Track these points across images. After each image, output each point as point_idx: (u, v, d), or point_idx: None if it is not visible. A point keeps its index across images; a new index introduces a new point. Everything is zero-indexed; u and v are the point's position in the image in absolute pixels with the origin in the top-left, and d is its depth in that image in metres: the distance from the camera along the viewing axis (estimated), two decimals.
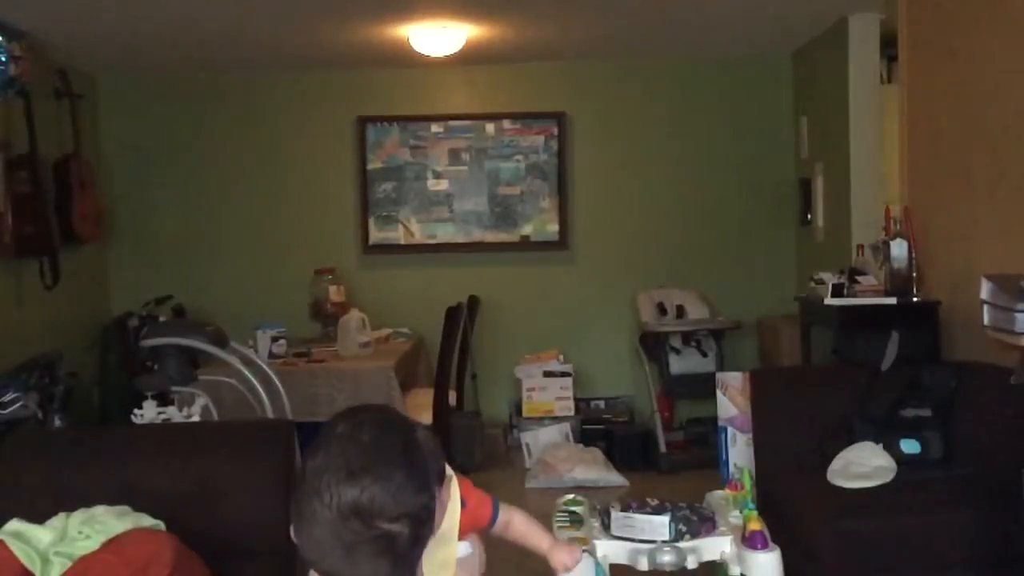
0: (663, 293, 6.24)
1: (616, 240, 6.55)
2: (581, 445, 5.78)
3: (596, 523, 2.91)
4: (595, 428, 6.05)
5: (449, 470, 1.73)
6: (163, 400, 4.00)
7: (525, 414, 6.00)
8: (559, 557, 1.96)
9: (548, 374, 6.07)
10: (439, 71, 6.43)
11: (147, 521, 2.54)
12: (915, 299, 4.35)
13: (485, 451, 5.85)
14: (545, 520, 3.18)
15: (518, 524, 1.96)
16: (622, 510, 2.84)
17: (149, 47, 5.70)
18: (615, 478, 5.46)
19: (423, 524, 1.36)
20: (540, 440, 5.86)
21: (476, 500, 1.87)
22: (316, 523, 1.32)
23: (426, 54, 5.62)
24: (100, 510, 2.54)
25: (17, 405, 4.31)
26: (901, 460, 3.47)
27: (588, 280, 6.55)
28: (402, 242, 6.54)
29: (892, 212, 4.65)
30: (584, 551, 2.73)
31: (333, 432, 1.39)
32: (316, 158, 6.56)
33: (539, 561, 2.19)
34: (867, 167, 5.38)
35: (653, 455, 5.83)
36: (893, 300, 4.33)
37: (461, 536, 1.79)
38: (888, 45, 5.30)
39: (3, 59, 4.77)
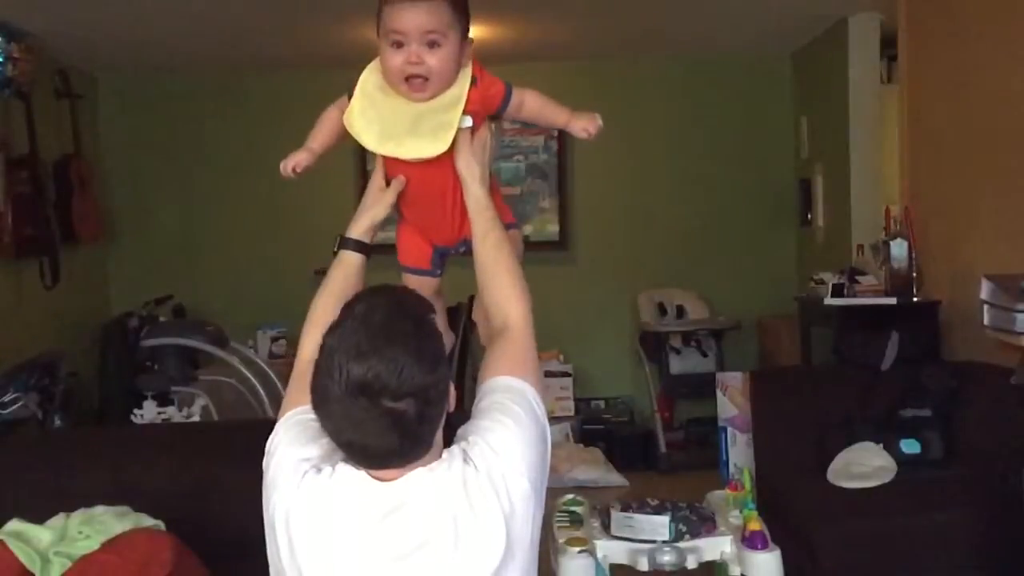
0: (663, 293, 6.24)
1: (616, 240, 6.54)
2: (581, 445, 5.78)
3: (596, 523, 2.91)
4: (595, 428, 6.05)
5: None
6: (163, 400, 4.01)
7: None
8: (580, 124, 1.85)
9: (548, 374, 6.06)
10: None
11: (147, 521, 2.54)
12: (915, 299, 4.35)
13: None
14: (545, 520, 3.18)
15: (532, 101, 1.87)
16: (622, 510, 2.84)
17: (149, 47, 5.70)
18: (615, 478, 5.46)
19: (430, 403, 1.43)
20: None
21: (489, 78, 1.81)
22: (329, 399, 1.41)
23: None
24: (100, 510, 2.55)
25: (17, 405, 4.31)
26: (901, 460, 3.48)
27: (588, 280, 6.54)
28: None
29: (892, 212, 4.65)
30: (584, 551, 2.74)
31: (350, 312, 1.47)
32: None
33: (542, 559, 2.17)
34: (867, 167, 5.37)
35: (653, 455, 5.83)
36: (893, 300, 4.33)
37: (469, 111, 1.76)
38: (888, 45, 5.30)
39: (3, 59, 4.76)
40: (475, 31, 5.84)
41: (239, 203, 6.56)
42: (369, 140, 1.77)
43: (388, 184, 1.87)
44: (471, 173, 1.79)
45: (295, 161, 1.88)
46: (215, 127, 6.53)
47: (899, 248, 4.38)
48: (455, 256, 1.96)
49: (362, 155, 6.51)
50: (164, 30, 5.28)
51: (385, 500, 1.45)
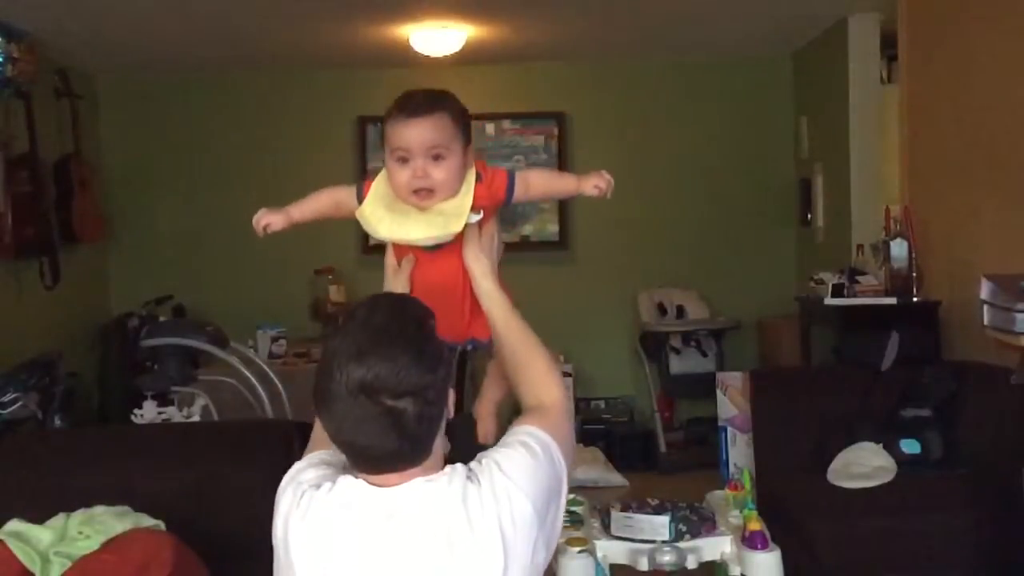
0: (663, 293, 6.24)
1: (616, 240, 6.54)
2: (581, 445, 5.78)
3: (596, 523, 2.91)
4: (595, 428, 6.05)
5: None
6: (163, 400, 4.00)
7: None
8: (590, 184, 1.89)
9: None
10: (439, 71, 6.42)
11: (147, 521, 2.54)
12: (915, 299, 4.35)
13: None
14: None
15: (537, 180, 1.90)
16: (622, 510, 2.84)
17: (149, 47, 5.70)
18: (615, 478, 5.46)
19: (429, 403, 1.45)
20: None
21: (492, 171, 1.84)
22: (331, 400, 1.44)
23: (426, 54, 5.61)
24: (100, 510, 2.55)
25: (17, 405, 4.31)
26: (901, 460, 3.48)
27: (588, 280, 6.54)
28: None
29: (892, 212, 4.65)
30: (584, 551, 2.74)
31: (352, 316, 1.51)
32: (316, 158, 6.55)
33: None
34: (867, 167, 5.37)
35: (653, 455, 5.83)
36: (893, 300, 4.33)
37: (476, 206, 1.78)
38: (888, 45, 5.29)
39: (3, 59, 4.76)
40: (475, 31, 5.81)
41: (239, 203, 6.50)
42: (381, 229, 1.80)
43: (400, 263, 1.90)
44: (480, 267, 1.82)
45: (268, 221, 1.91)
46: (215, 127, 6.54)
47: (899, 248, 4.38)
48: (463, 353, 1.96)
49: (362, 155, 6.52)
50: (164, 30, 5.28)
51: (382, 505, 1.46)
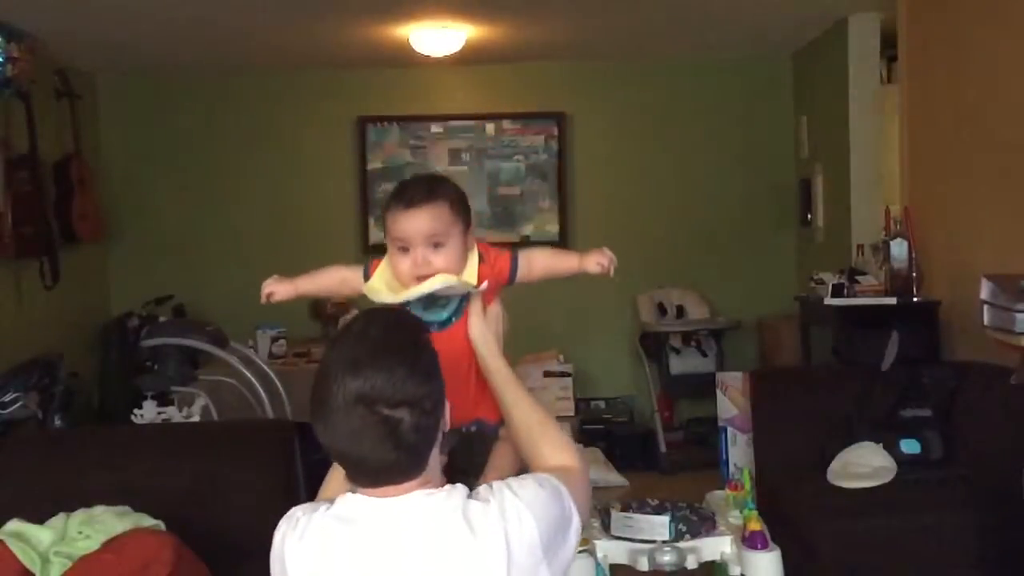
0: (663, 293, 6.24)
1: (616, 240, 6.43)
2: (581, 445, 5.78)
3: (596, 523, 2.91)
4: (595, 428, 6.05)
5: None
6: (163, 400, 4.00)
7: None
8: (592, 261, 1.91)
9: (548, 374, 6.06)
10: (439, 71, 6.43)
11: (147, 521, 2.54)
12: (915, 299, 4.34)
13: (485, 451, 5.83)
14: None
15: (540, 258, 1.93)
16: (622, 510, 2.84)
17: (149, 47, 5.70)
18: (615, 478, 5.46)
19: (425, 414, 1.46)
20: None
21: (495, 252, 1.87)
22: (328, 410, 1.45)
23: (426, 54, 5.61)
24: (100, 510, 2.55)
25: (17, 405, 4.31)
26: (901, 460, 3.47)
27: (588, 280, 6.48)
28: None
29: (892, 212, 4.65)
30: (584, 551, 2.74)
31: (349, 330, 1.53)
32: (316, 158, 6.56)
33: None
34: (867, 167, 5.37)
35: (653, 455, 5.83)
36: (893, 300, 4.33)
37: (480, 284, 1.82)
38: (888, 45, 5.29)
39: (3, 59, 4.76)
40: (475, 31, 5.81)
41: (239, 203, 6.56)
42: (388, 296, 1.82)
43: None
44: (487, 347, 1.83)
45: (272, 290, 1.95)
46: (215, 127, 6.54)
47: (899, 248, 4.38)
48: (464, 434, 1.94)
49: (362, 155, 6.52)
50: (164, 30, 5.28)
51: (382, 518, 1.47)
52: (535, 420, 1.77)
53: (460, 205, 1.80)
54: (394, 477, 1.48)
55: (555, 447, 1.72)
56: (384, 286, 1.84)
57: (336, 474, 1.69)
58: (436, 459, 1.53)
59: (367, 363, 1.44)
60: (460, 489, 1.50)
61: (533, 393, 1.83)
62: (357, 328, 1.52)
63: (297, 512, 1.55)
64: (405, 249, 1.78)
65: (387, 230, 1.80)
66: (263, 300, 1.95)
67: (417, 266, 1.77)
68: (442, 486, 1.51)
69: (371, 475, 1.48)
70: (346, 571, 1.46)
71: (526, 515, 1.47)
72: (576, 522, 1.56)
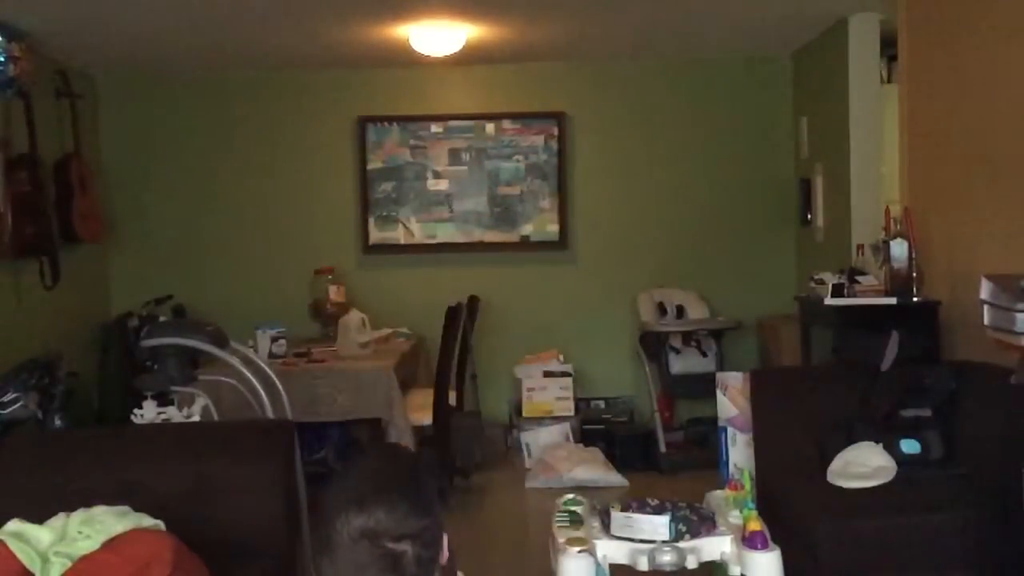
0: (663, 293, 6.24)
1: (616, 240, 6.55)
2: (581, 445, 5.78)
3: (596, 523, 2.91)
4: (595, 428, 6.05)
5: None
6: (163, 400, 4.00)
7: (525, 414, 6.00)
8: None
9: (548, 374, 6.06)
10: (439, 71, 6.43)
11: (147, 521, 2.54)
12: (915, 299, 4.34)
13: (485, 451, 5.85)
14: (545, 520, 3.18)
15: None
16: (622, 510, 2.84)
17: (149, 47, 5.70)
18: (615, 478, 5.46)
19: (427, 546, 1.52)
20: (540, 440, 5.85)
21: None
22: (332, 548, 1.49)
23: (426, 54, 5.61)
24: (100, 510, 2.55)
25: (17, 405, 4.31)
26: (901, 460, 3.47)
27: (588, 280, 6.54)
28: (402, 242, 6.54)
29: (892, 212, 4.65)
30: (584, 551, 2.74)
31: (347, 469, 1.62)
32: (316, 158, 6.56)
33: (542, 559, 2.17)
34: (867, 167, 5.37)
35: (653, 455, 5.83)
36: (893, 300, 4.33)
37: None
38: (888, 45, 5.30)
39: (3, 59, 4.76)
40: (475, 31, 5.83)
41: (239, 203, 6.56)
42: None
43: None
44: None
45: None
46: (215, 126, 6.54)
47: (899, 248, 4.38)
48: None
49: (362, 154, 6.52)
50: (164, 30, 5.28)
51: None
52: None
53: None
54: None
55: None
56: None
57: None
58: None
59: (369, 499, 1.49)
60: None
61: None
62: (357, 465, 1.62)
63: None
64: None
65: None
66: None
67: None
68: None
69: None
70: None
71: None
72: None
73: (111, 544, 2.41)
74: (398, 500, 1.50)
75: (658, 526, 2.76)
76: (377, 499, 1.49)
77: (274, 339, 5.25)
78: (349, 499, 1.51)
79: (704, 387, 5.50)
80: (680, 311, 6.14)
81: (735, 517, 2.89)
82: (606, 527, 2.85)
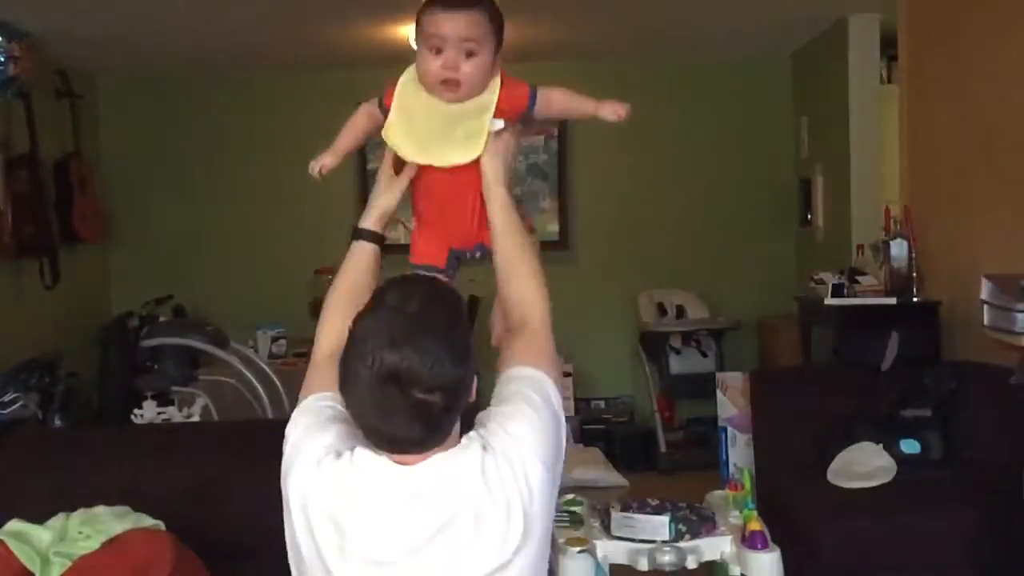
0: (663, 293, 6.24)
1: (616, 240, 6.54)
2: (581, 445, 5.77)
3: (596, 523, 2.91)
4: (595, 428, 6.05)
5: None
6: (163, 400, 4.01)
7: None
8: (609, 108, 1.92)
9: None
10: None
11: (147, 521, 2.54)
12: (915, 299, 4.34)
13: None
14: None
15: (559, 96, 1.96)
16: (622, 510, 2.84)
17: (149, 47, 5.70)
18: (615, 478, 5.45)
19: (458, 396, 1.48)
20: None
21: (513, 82, 1.90)
22: (358, 384, 1.44)
23: None
24: (100, 510, 2.54)
25: (17, 405, 4.31)
26: (901, 460, 3.47)
27: (588, 280, 6.54)
28: (402, 242, 6.46)
29: (892, 212, 4.65)
30: (584, 551, 2.74)
31: (383, 300, 1.51)
32: (316, 158, 6.55)
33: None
34: (867, 167, 5.37)
35: (653, 455, 5.83)
36: (893, 300, 4.33)
37: (497, 115, 1.84)
38: (888, 45, 5.29)
39: (3, 59, 4.76)
40: None
41: (239, 203, 6.56)
42: (408, 152, 1.86)
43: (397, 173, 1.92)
44: (495, 173, 1.84)
45: (322, 163, 2.03)
46: (215, 127, 6.54)
47: (899, 248, 4.38)
48: (469, 261, 2.00)
49: (362, 154, 6.51)
50: (164, 30, 5.28)
51: (407, 484, 1.48)
52: (516, 248, 1.82)
53: (497, 22, 1.81)
54: (418, 449, 1.49)
55: (526, 282, 1.78)
56: (401, 126, 1.85)
57: (325, 378, 1.65)
58: (458, 423, 1.55)
59: (404, 342, 1.42)
60: (474, 439, 1.52)
61: (526, 232, 1.90)
62: (392, 300, 1.49)
63: (320, 448, 1.54)
64: (438, 50, 1.77)
65: (420, 29, 1.79)
66: (317, 175, 2.03)
67: (447, 68, 1.76)
68: (459, 440, 1.53)
69: (396, 446, 1.49)
70: (369, 535, 1.48)
71: (531, 460, 1.51)
72: (562, 414, 1.63)
73: (111, 544, 2.40)
74: (433, 346, 1.43)
75: (658, 526, 2.76)
76: (412, 343, 1.42)
77: (274, 339, 5.26)
78: (382, 337, 1.43)
79: (704, 387, 5.51)
80: (680, 311, 6.14)
81: (735, 517, 2.89)
82: (606, 527, 2.85)
